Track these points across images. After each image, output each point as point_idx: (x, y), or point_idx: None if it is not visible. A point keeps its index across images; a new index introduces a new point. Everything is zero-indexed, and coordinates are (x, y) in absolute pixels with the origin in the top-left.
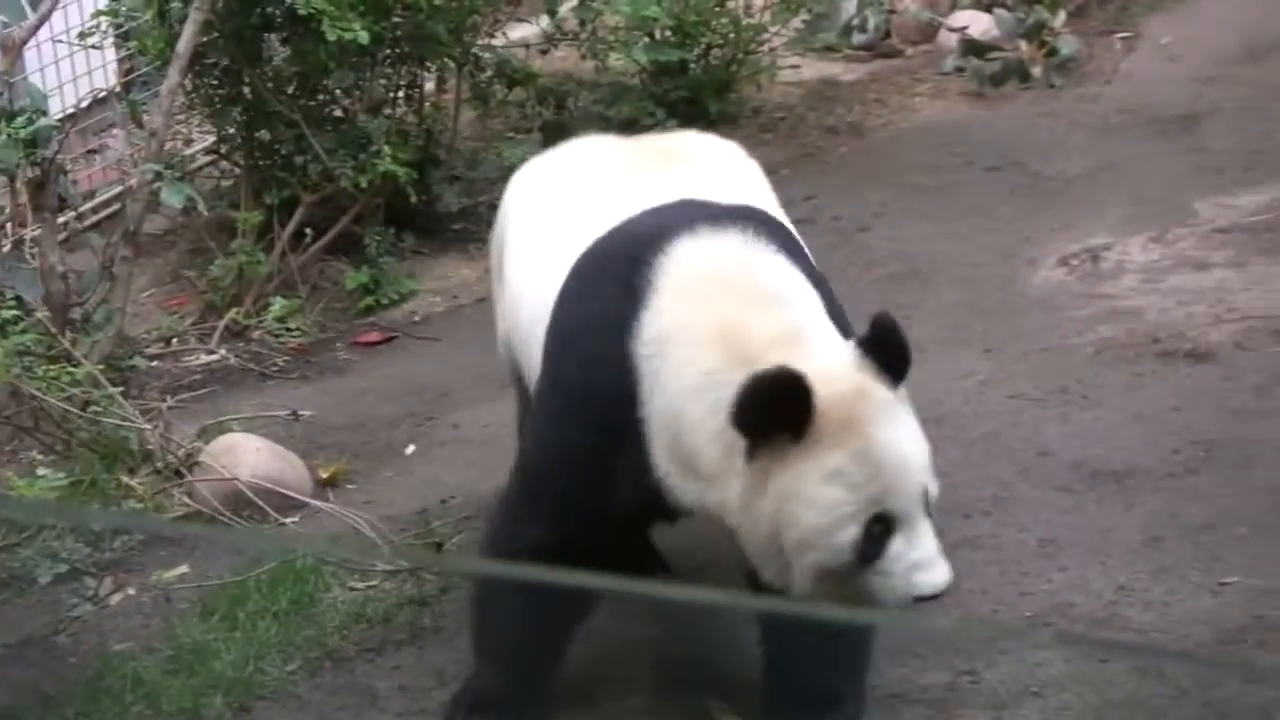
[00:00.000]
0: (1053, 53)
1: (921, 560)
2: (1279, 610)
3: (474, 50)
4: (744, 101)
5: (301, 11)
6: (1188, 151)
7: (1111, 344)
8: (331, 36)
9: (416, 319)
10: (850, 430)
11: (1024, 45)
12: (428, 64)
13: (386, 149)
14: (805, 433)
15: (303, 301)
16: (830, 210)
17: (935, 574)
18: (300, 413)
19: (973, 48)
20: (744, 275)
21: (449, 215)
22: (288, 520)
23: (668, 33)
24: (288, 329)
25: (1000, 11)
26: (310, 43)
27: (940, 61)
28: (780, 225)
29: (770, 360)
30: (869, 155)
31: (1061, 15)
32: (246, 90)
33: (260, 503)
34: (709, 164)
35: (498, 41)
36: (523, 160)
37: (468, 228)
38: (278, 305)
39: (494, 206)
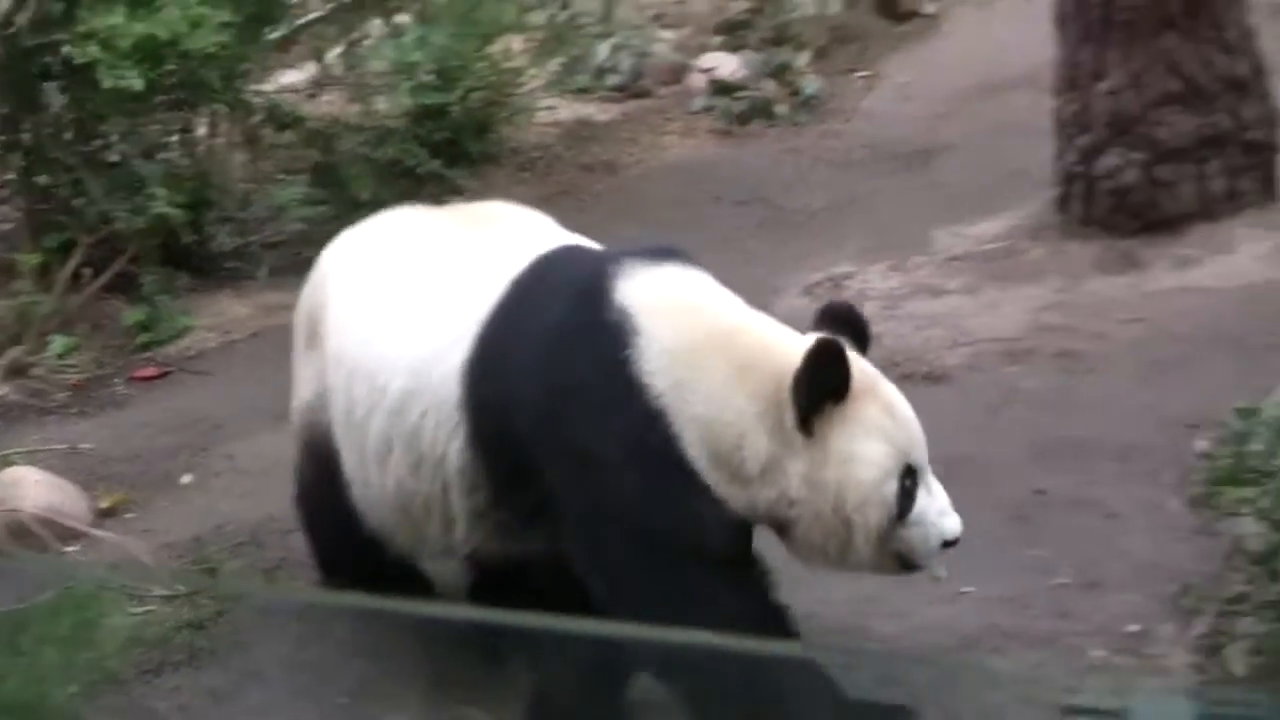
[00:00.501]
0: (797, 92)
1: (943, 508)
2: (1012, 617)
3: (245, 96)
4: (503, 141)
5: (79, 61)
6: (924, 184)
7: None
8: (108, 84)
9: (191, 354)
10: (870, 391)
11: (769, 85)
12: (200, 109)
13: (161, 192)
14: (845, 398)
15: (82, 339)
16: None
17: (955, 519)
18: (80, 446)
19: (721, 88)
20: (698, 292)
21: (222, 254)
22: (68, 549)
23: (430, 77)
24: (68, 366)
25: (747, 53)
26: (87, 90)
27: (690, 101)
28: (674, 249)
29: (779, 350)
30: (623, 192)
31: (805, 56)
32: (26, 136)
33: (41, 533)
34: (522, 222)
35: (268, 87)
36: (292, 200)
37: (240, 266)
38: (58, 343)
39: (266, 245)
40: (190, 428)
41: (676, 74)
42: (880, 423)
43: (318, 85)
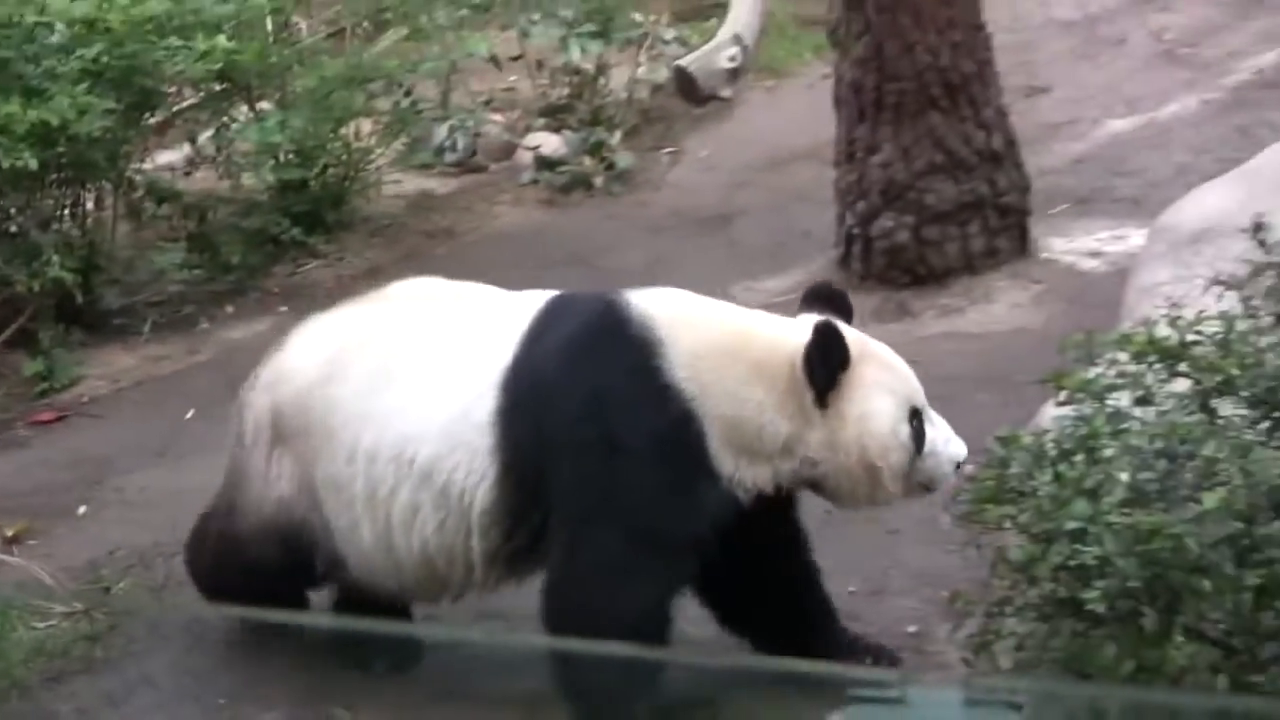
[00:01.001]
0: (611, 166)
1: (949, 436)
2: None
3: (128, 173)
4: (356, 212)
5: None
6: (724, 245)
7: None
8: (5, 164)
9: (85, 400)
10: (864, 355)
11: (587, 160)
12: (88, 185)
13: (56, 258)
14: (849, 368)
15: None
16: None
17: (960, 443)
18: None
19: (545, 163)
20: (698, 304)
21: (110, 312)
22: None
23: (291, 155)
24: None
25: (567, 132)
26: None
27: (519, 175)
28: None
29: (783, 342)
30: (461, 256)
31: (618, 135)
32: None
33: None
34: (467, 289)
35: (148, 165)
36: (171, 265)
37: (127, 322)
38: None
39: (149, 304)
40: (84, 465)
41: (506, 151)
42: (881, 379)
43: (192, 163)
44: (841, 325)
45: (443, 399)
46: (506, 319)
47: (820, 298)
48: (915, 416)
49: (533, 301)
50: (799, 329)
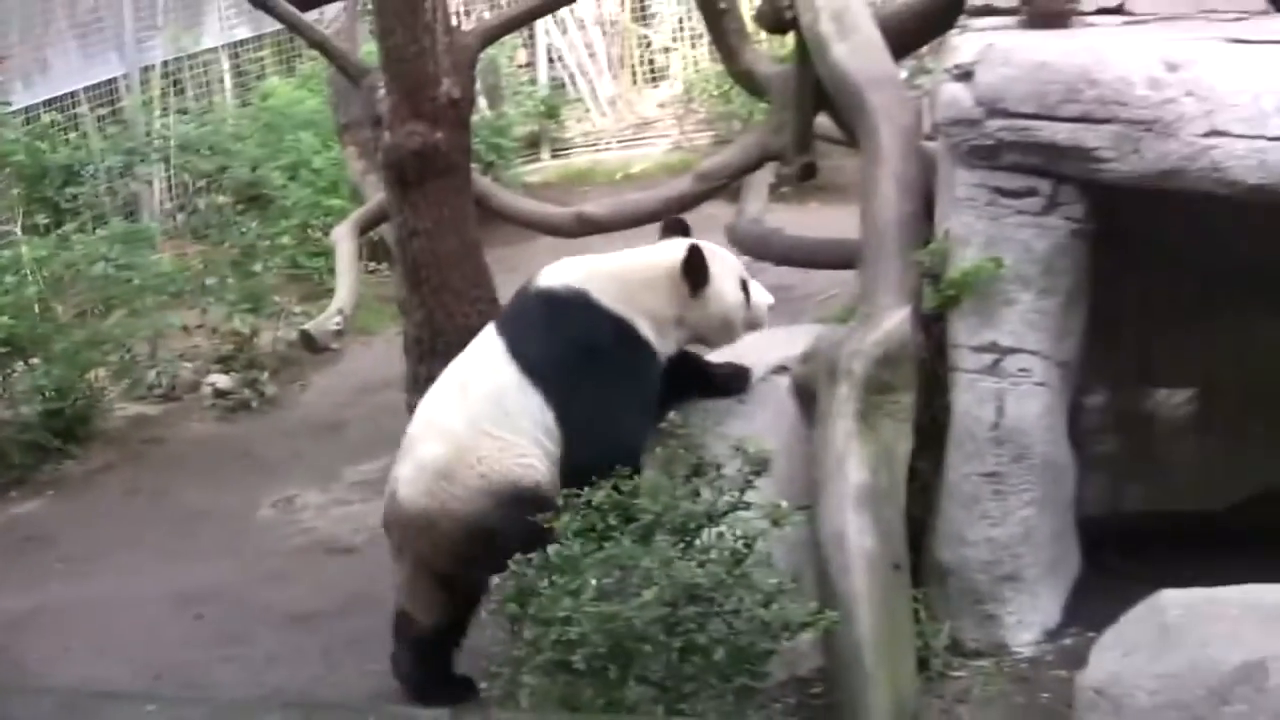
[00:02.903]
0: (263, 394)
1: (761, 290)
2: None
3: None
4: (97, 429)
5: None
6: (338, 442)
7: (305, 544)
8: None
9: None
10: (712, 256)
11: (247, 391)
12: None
13: None
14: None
15: None
16: None
17: (768, 294)
18: None
19: (219, 393)
20: (593, 262)
21: None
22: None
23: (53, 392)
24: None
25: (233, 373)
26: None
27: (203, 401)
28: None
29: (658, 263)
30: (168, 458)
31: (266, 374)
32: None
33: None
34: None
35: None
36: None
37: None
38: None
39: None
40: None
41: (194, 386)
42: (722, 268)
43: None
44: (696, 241)
45: (488, 383)
46: (486, 339)
47: (674, 228)
48: (743, 284)
49: (490, 329)
50: (664, 251)
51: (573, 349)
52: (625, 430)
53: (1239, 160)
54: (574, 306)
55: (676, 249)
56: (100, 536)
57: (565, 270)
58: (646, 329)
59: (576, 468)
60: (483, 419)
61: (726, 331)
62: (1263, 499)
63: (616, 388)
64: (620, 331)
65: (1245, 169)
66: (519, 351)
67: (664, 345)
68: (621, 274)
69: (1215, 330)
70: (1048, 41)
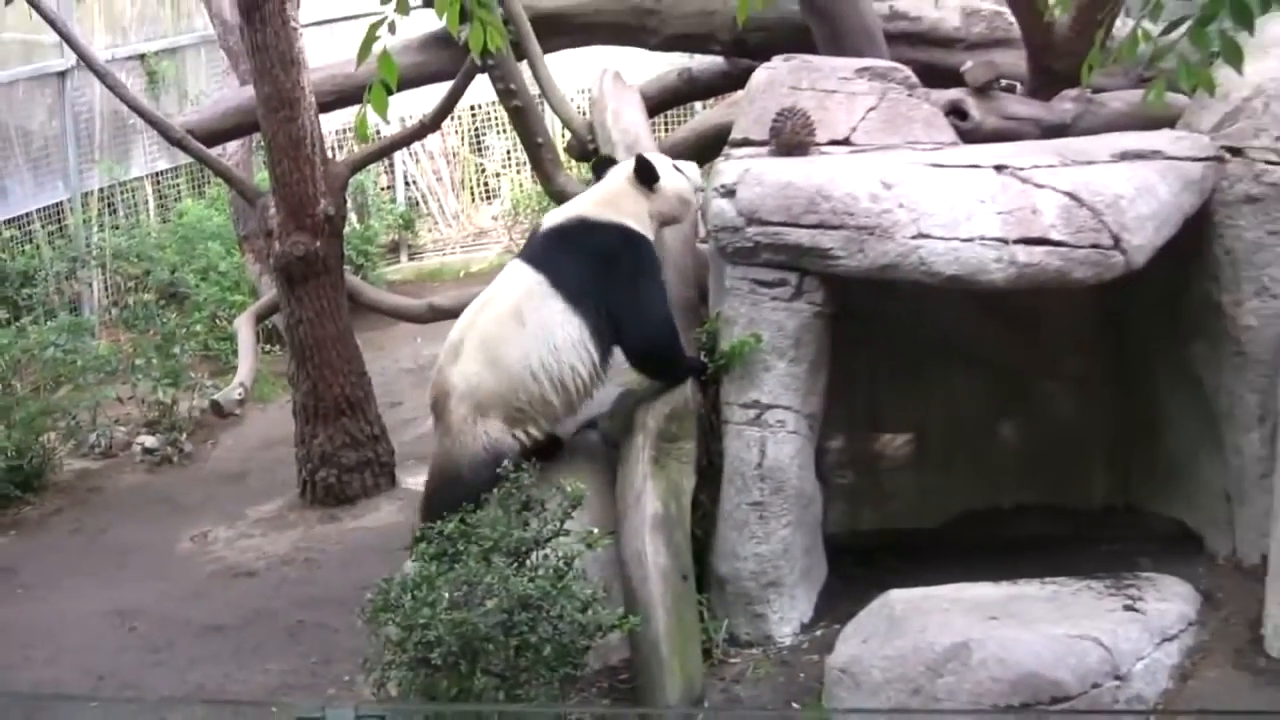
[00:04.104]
0: (182, 450)
1: (692, 166)
2: (296, 683)
3: None
4: (49, 481)
5: None
6: (243, 488)
7: (217, 570)
8: None
9: None
10: (654, 158)
11: (169, 448)
12: None
13: None
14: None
15: None
16: None
17: (694, 167)
18: None
19: (148, 451)
20: (586, 197)
21: None
22: None
23: (13, 452)
24: None
25: (159, 434)
26: None
27: (135, 457)
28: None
29: (619, 179)
30: (108, 501)
31: (185, 434)
32: None
33: None
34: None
35: None
36: None
37: None
38: None
39: None
40: None
41: (126, 445)
42: (665, 164)
43: None
44: (638, 153)
45: (534, 306)
46: (524, 275)
47: (603, 162)
48: (679, 169)
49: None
50: (620, 172)
51: (598, 260)
52: (659, 301)
53: (939, 256)
54: (584, 229)
55: (627, 166)
56: (52, 566)
57: (563, 211)
58: (637, 226)
59: (634, 350)
60: (533, 355)
61: (685, 206)
62: (967, 518)
63: (642, 274)
64: (625, 234)
65: (944, 263)
66: (560, 283)
67: (650, 232)
68: (603, 198)
69: (927, 386)
70: (792, 166)
